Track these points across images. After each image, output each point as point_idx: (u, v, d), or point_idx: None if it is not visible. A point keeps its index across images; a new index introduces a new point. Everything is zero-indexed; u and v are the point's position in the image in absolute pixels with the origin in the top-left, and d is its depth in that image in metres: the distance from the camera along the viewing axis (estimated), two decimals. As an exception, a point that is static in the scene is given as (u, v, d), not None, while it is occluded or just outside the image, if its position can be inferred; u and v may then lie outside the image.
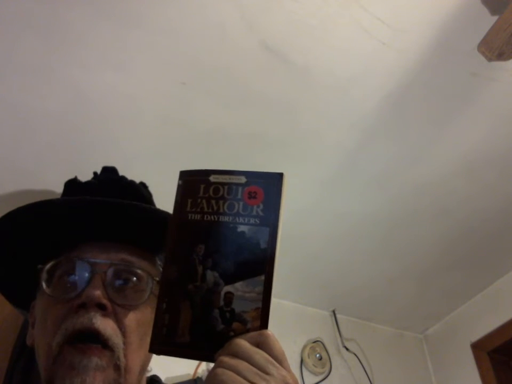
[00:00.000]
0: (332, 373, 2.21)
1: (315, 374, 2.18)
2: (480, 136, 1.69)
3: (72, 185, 0.80)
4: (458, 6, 1.34)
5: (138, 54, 1.41)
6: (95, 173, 0.83)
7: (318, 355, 2.21)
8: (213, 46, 1.40)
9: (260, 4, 1.32)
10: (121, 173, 0.83)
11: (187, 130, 1.61)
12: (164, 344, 0.55)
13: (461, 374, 2.32)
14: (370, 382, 2.25)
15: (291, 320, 2.27)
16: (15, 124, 1.55)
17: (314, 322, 2.35)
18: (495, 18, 1.30)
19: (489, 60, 1.33)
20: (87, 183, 0.80)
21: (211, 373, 0.52)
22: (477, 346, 2.28)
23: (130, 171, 0.84)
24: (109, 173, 0.82)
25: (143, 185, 0.83)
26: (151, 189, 0.85)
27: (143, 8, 1.31)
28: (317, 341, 2.27)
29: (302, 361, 2.19)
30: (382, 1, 1.33)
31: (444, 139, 1.69)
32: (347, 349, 2.31)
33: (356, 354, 2.31)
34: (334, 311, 2.41)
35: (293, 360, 2.16)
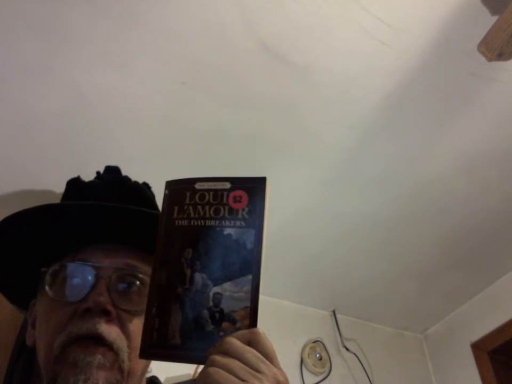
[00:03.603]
0: (332, 373, 2.21)
1: (315, 374, 2.18)
2: (480, 136, 1.69)
3: (75, 184, 0.80)
4: (458, 6, 1.34)
5: (138, 54, 1.41)
6: (98, 173, 0.83)
7: (318, 355, 2.21)
8: (212, 46, 1.40)
9: (259, 4, 1.32)
10: (121, 173, 0.83)
11: (187, 131, 1.60)
12: (154, 347, 0.56)
13: (461, 374, 2.32)
14: (370, 382, 2.25)
15: (291, 320, 2.27)
16: (15, 124, 1.55)
17: (314, 322, 2.35)
18: (495, 18, 1.30)
19: (489, 60, 1.33)
20: (90, 183, 0.80)
21: (203, 372, 0.52)
22: (477, 346, 2.28)
23: (130, 171, 0.84)
24: (113, 173, 0.82)
25: (146, 186, 0.84)
26: (151, 189, 0.85)
27: (143, 8, 1.31)
28: (317, 341, 2.27)
29: (302, 361, 2.19)
30: (382, 1, 1.33)
31: (444, 139, 1.69)
32: (347, 349, 2.31)
33: (356, 354, 2.31)
34: (334, 311, 2.41)
35: (293, 360, 2.16)
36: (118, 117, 1.55)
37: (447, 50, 1.44)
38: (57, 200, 0.82)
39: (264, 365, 0.52)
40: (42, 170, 1.67)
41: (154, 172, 1.61)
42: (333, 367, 2.23)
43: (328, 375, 2.20)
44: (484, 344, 2.26)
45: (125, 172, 0.83)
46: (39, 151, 1.62)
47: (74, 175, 0.82)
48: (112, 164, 0.84)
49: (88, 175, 0.83)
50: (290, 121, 1.60)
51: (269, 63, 1.44)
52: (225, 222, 0.59)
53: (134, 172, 0.85)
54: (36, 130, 1.56)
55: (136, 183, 0.81)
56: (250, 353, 0.52)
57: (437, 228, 2.01)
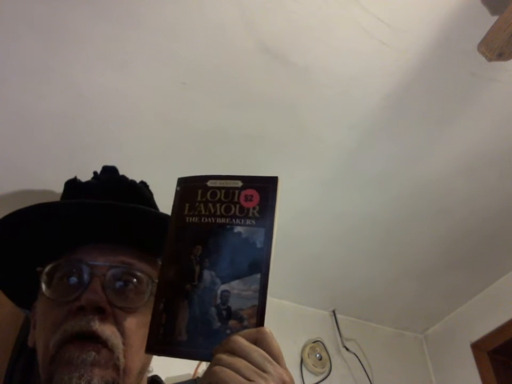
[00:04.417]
0: (332, 373, 2.21)
1: (315, 374, 2.18)
2: (480, 136, 1.69)
3: (72, 185, 0.80)
4: (458, 6, 1.34)
5: (138, 54, 1.41)
6: (95, 173, 0.83)
7: (318, 355, 2.21)
8: (213, 46, 1.40)
9: (259, 4, 1.32)
10: (121, 173, 0.83)
11: (187, 131, 1.61)
12: (160, 343, 0.56)
13: (461, 374, 2.32)
14: (370, 382, 2.25)
15: (291, 320, 2.27)
16: (15, 124, 1.55)
17: (314, 322, 2.35)
18: (495, 18, 1.30)
19: (489, 60, 1.33)
20: (87, 183, 0.80)
21: (208, 370, 0.52)
22: (477, 346, 2.28)
23: (130, 171, 0.84)
24: (110, 172, 0.82)
25: (144, 185, 0.83)
26: (152, 189, 0.85)
27: (143, 8, 1.31)
28: (317, 341, 2.27)
29: (302, 361, 2.19)
30: (382, 1, 1.33)
31: (444, 139, 1.69)
32: (347, 349, 2.31)
33: (356, 354, 2.31)
34: (334, 311, 2.41)
35: (293, 360, 2.16)
36: (118, 117, 1.55)
37: (447, 50, 1.44)
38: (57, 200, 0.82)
39: (270, 365, 0.52)
40: (42, 170, 1.67)
41: (154, 172, 1.61)
42: (333, 367, 2.23)
43: (328, 375, 2.20)
44: (484, 344, 2.26)
45: (125, 171, 0.83)
46: (39, 151, 1.62)
47: (74, 175, 0.82)
48: (112, 163, 0.84)
49: (88, 175, 0.83)
50: (290, 121, 1.60)
51: (269, 63, 1.44)
52: (235, 220, 0.59)
53: (134, 172, 0.84)
54: (36, 130, 1.56)
55: (133, 182, 0.81)
56: (257, 353, 0.52)
57: (437, 228, 2.01)
